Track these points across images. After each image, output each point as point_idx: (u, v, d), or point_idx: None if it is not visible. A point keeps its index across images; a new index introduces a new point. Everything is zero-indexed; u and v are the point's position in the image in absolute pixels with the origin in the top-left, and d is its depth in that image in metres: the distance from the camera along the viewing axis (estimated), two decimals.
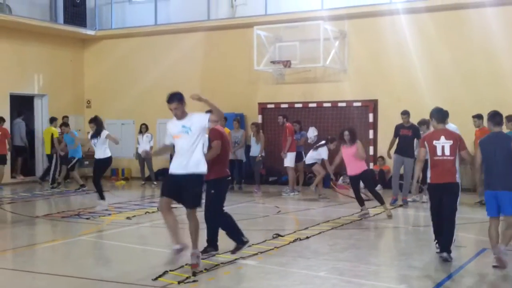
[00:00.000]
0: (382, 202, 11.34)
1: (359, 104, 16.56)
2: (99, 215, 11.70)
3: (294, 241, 8.95)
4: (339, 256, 8.08)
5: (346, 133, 11.42)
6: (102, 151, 12.42)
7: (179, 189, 7.18)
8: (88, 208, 12.62)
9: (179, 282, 6.63)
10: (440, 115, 8.12)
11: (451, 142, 7.78)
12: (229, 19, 18.53)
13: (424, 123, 13.17)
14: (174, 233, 7.15)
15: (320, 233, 9.64)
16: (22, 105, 19.25)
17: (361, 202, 11.36)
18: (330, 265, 7.55)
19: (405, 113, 13.11)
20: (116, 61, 19.90)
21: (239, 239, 7.89)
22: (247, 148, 16.70)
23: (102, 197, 12.53)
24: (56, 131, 17.38)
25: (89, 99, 20.65)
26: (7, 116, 17.95)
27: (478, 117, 13.06)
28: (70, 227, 10.72)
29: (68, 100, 19.96)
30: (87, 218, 11.36)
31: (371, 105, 16.42)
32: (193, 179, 7.20)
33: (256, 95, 17.80)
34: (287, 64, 16.36)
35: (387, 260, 8.09)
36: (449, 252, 7.64)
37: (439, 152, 7.79)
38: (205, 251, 7.83)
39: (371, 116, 16.36)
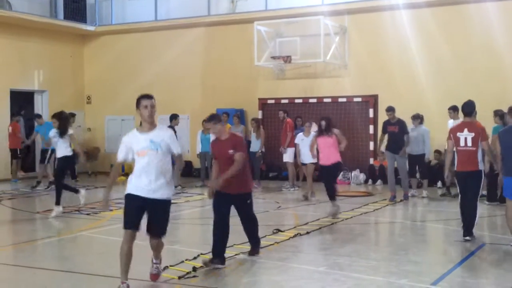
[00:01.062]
0: (333, 198, 10.68)
1: (359, 99, 16.55)
2: (100, 211, 11.70)
3: (294, 236, 8.96)
4: (339, 251, 8.08)
5: (323, 122, 11.02)
6: (64, 149, 11.29)
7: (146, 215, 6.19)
8: (89, 204, 12.62)
9: (179, 277, 6.63)
10: (467, 108, 8.76)
11: (473, 134, 8.51)
12: (229, 15, 18.50)
13: (418, 117, 13.28)
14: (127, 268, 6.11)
15: (320, 228, 9.64)
16: (22, 101, 19.23)
17: (332, 196, 10.71)
18: (330, 260, 7.56)
19: (390, 110, 12.96)
20: (116, 57, 19.88)
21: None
22: (248, 143, 16.67)
23: (58, 202, 11.20)
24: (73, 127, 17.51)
25: (89, 95, 20.64)
26: (7, 112, 17.96)
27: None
28: (70, 222, 10.73)
29: (68, 96, 19.95)
30: (87, 214, 11.37)
31: (372, 101, 16.41)
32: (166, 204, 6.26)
33: (256, 90, 17.79)
34: (287, 59, 16.34)
35: (387, 255, 8.09)
36: (471, 235, 8.55)
37: (462, 143, 8.56)
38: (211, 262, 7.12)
39: (371, 111, 16.36)
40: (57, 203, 11.12)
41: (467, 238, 8.52)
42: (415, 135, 13.20)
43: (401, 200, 12.83)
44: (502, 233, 9.57)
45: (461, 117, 11.61)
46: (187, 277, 6.65)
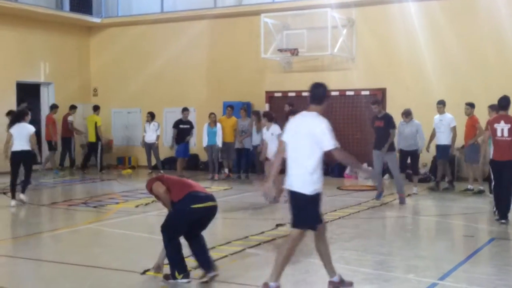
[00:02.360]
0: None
1: (367, 92, 16.44)
2: (106, 204, 11.70)
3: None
4: (345, 245, 8.04)
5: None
6: (25, 142, 11.36)
7: None
8: (95, 196, 12.62)
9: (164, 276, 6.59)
10: (504, 102, 9.52)
11: (509, 125, 9.25)
12: (236, 7, 18.42)
13: (409, 113, 12.83)
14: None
15: (327, 222, 9.57)
16: (28, 93, 19.19)
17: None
18: (337, 254, 7.50)
19: (375, 102, 12.10)
20: (122, 49, 19.83)
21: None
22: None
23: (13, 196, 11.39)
24: (100, 119, 17.79)
25: (96, 87, 20.62)
26: (13, 105, 17.95)
27: (471, 105, 13.07)
28: (76, 215, 10.73)
29: (75, 88, 19.93)
30: (94, 207, 11.36)
31: (380, 94, 16.29)
32: None
33: (263, 83, 17.71)
34: (294, 52, 16.25)
35: (394, 249, 8.04)
36: (506, 218, 9.25)
37: (499, 134, 9.35)
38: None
39: None
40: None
41: (503, 221, 9.24)
42: (408, 131, 12.78)
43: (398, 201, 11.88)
44: (510, 228, 9.50)
45: (449, 111, 11.59)
46: (195, 269, 6.62)
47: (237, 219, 10.40)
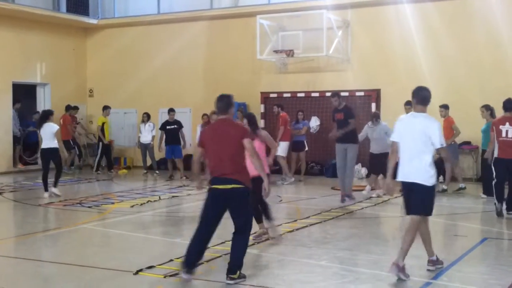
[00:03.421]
0: (259, 221, 8.22)
1: (362, 93, 16.51)
2: (102, 204, 11.73)
3: (294, 230, 8.96)
4: (340, 245, 8.08)
5: (245, 121, 8.20)
6: (50, 141, 12.46)
7: None
8: (90, 196, 12.65)
9: (163, 276, 6.63)
10: (508, 105, 10.19)
11: None
12: (232, 8, 18.47)
13: (377, 116, 12.77)
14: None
15: (321, 222, 9.64)
16: (24, 94, 19.22)
17: (259, 218, 8.20)
18: (331, 254, 7.56)
19: (334, 95, 11.80)
20: (119, 50, 19.86)
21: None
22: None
23: None
24: (107, 119, 17.81)
25: (92, 88, 20.64)
26: (9, 105, 17.98)
27: (445, 107, 13.17)
28: (72, 215, 10.75)
29: (71, 89, 19.94)
30: (89, 207, 11.38)
31: (374, 95, 16.37)
32: None
33: (259, 84, 17.76)
34: (290, 53, 16.31)
35: (388, 249, 8.07)
36: None
37: (503, 135, 9.98)
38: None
39: (374, 105, 16.31)
40: None
41: (511, 212, 9.97)
42: (376, 134, 12.48)
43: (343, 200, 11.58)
44: (502, 228, 9.57)
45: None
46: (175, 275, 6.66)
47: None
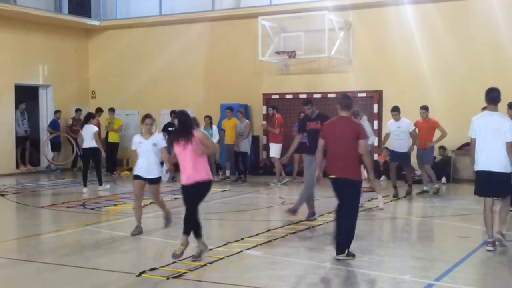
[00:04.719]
0: (198, 235, 7.40)
1: (363, 94, 16.51)
2: (104, 206, 11.74)
3: (297, 231, 8.96)
4: None
5: (176, 121, 7.65)
6: (90, 141, 13.49)
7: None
8: (93, 198, 12.67)
9: (166, 278, 6.64)
10: None
11: None
12: (234, 10, 18.48)
13: (358, 114, 11.72)
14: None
15: (323, 223, 9.64)
16: (27, 96, 19.23)
17: (198, 231, 7.37)
18: (334, 255, 7.55)
19: (307, 103, 10.40)
20: (121, 52, 19.88)
21: None
22: (255, 139, 16.79)
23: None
24: (112, 120, 18.04)
25: (94, 90, 20.66)
26: (12, 106, 18.00)
27: (426, 108, 13.09)
28: (75, 217, 10.76)
29: (73, 90, 19.98)
30: (92, 209, 11.40)
31: (376, 96, 16.38)
32: None
33: (260, 85, 17.77)
34: (291, 54, 16.32)
35: (391, 250, 8.08)
36: None
37: None
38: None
39: (376, 107, 16.32)
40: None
41: None
42: None
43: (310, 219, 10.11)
44: (506, 229, 9.55)
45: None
46: (193, 270, 6.67)
47: (234, 220, 10.45)
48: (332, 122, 7.69)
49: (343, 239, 7.30)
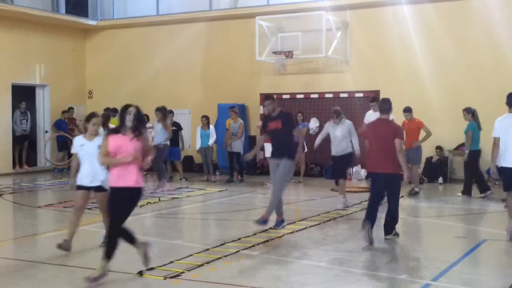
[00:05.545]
0: (108, 255, 6.46)
1: (361, 95, 16.52)
2: None
3: (294, 231, 8.96)
4: (340, 246, 8.09)
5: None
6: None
7: None
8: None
9: (164, 278, 6.64)
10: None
11: None
12: (231, 10, 18.48)
13: (339, 113, 11.33)
14: None
15: (320, 223, 9.65)
16: (24, 96, 19.21)
17: (109, 251, 6.49)
18: (331, 255, 7.57)
19: (267, 99, 9.48)
20: (118, 51, 19.87)
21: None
22: (252, 139, 16.75)
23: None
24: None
25: (91, 89, 20.64)
26: (8, 106, 17.97)
27: (409, 110, 13.01)
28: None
29: (70, 90, 19.96)
30: (89, 209, 11.35)
31: (373, 96, 16.36)
32: None
33: (258, 85, 17.77)
34: (289, 54, 16.33)
35: (388, 250, 8.09)
36: None
37: None
38: None
39: None
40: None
41: None
42: (339, 133, 11.23)
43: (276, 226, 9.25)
44: (502, 229, 9.58)
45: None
46: (190, 270, 6.67)
47: (231, 220, 10.44)
48: (374, 124, 8.67)
49: (389, 222, 8.44)
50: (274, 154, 9.20)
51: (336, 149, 11.28)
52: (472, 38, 15.32)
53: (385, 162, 8.15)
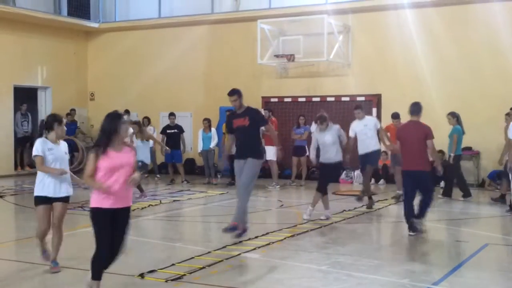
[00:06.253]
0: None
1: (362, 98, 16.51)
2: None
3: (295, 235, 8.96)
4: (341, 250, 8.08)
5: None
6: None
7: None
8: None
9: (165, 280, 6.63)
10: None
11: None
12: (233, 13, 18.50)
13: (324, 119, 10.45)
14: None
15: (321, 227, 9.64)
16: (26, 98, 19.23)
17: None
18: (332, 259, 7.56)
19: (233, 93, 8.90)
20: (120, 54, 19.89)
21: None
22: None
23: None
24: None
25: (93, 92, 20.66)
26: (11, 108, 17.99)
27: (397, 116, 12.80)
28: (73, 219, 10.72)
29: (72, 92, 19.99)
30: (89, 211, 11.35)
31: (375, 100, 16.40)
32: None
33: (259, 89, 17.77)
34: (290, 58, 16.34)
35: (389, 254, 8.09)
36: None
37: None
38: None
39: (374, 110, 16.33)
40: None
41: None
42: (327, 139, 10.34)
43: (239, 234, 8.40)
44: (504, 233, 9.58)
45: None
46: (192, 273, 6.66)
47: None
48: (405, 125, 9.37)
49: (423, 208, 9.10)
50: (239, 154, 8.39)
51: (324, 156, 10.40)
52: (474, 42, 15.32)
53: (416, 161, 8.86)
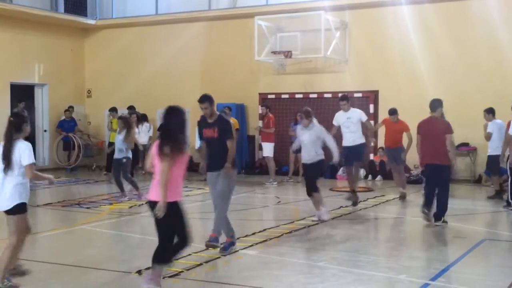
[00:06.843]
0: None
1: (360, 95, 16.52)
2: (100, 205, 11.72)
3: (293, 231, 8.97)
4: (338, 246, 8.10)
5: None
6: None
7: None
8: (88, 197, 12.64)
9: (162, 277, 6.63)
10: None
11: None
12: (230, 9, 18.48)
13: (309, 114, 9.99)
14: None
15: (319, 223, 9.64)
16: (22, 95, 19.19)
17: None
18: (329, 255, 7.57)
19: (205, 100, 7.75)
20: (117, 51, 19.85)
21: None
22: (251, 139, 16.73)
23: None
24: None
25: (90, 89, 20.63)
26: (7, 105, 17.94)
27: (395, 112, 12.60)
28: (70, 216, 10.74)
29: (69, 89, 19.95)
30: (87, 208, 11.38)
31: (372, 96, 16.40)
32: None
33: (257, 85, 17.77)
34: (288, 54, 16.33)
35: (387, 250, 8.10)
36: None
37: None
38: None
39: (371, 107, 16.33)
40: None
41: None
42: (307, 138, 9.87)
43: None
44: (501, 229, 9.60)
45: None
46: (188, 269, 6.67)
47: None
48: (426, 121, 9.67)
49: (440, 210, 9.45)
50: (211, 166, 7.87)
51: (304, 156, 9.94)
52: (472, 39, 15.32)
53: (436, 155, 9.30)
